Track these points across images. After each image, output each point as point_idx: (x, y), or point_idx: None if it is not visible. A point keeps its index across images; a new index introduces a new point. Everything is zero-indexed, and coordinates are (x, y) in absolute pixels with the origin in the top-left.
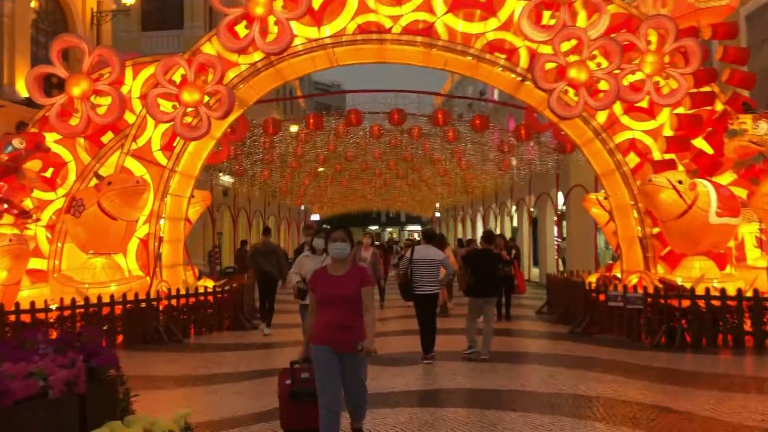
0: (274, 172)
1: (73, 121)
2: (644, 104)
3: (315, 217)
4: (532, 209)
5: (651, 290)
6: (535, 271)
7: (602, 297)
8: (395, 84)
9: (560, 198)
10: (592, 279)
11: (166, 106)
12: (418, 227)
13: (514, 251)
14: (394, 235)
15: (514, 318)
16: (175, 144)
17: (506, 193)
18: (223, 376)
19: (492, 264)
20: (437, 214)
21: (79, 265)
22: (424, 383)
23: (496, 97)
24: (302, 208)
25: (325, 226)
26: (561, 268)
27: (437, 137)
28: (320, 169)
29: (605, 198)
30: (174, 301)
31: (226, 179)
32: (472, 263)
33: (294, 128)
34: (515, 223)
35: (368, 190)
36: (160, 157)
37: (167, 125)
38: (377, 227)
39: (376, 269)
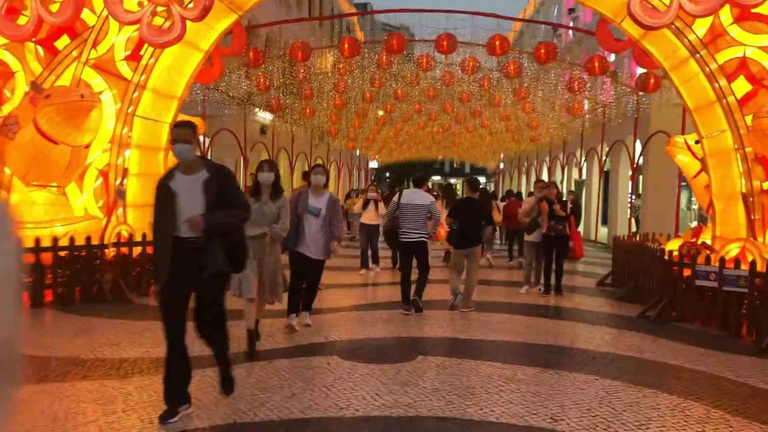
0: (320, 110)
1: (21, 21)
2: (764, 9)
3: (373, 164)
4: (604, 158)
5: (761, 267)
6: (604, 231)
7: (687, 272)
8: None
9: (638, 147)
10: (673, 246)
11: (130, 3)
12: (482, 178)
13: (570, 205)
14: (458, 186)
15: (567, 291)
16: (142, 53)
17: (575, 142)
18: (116, 363)
19: (475, 214)
20: (501, 165)
21: (18, 201)
22: (404, 402)
23: (571, 33)
24: (357, 152)
25: (387, 175)
26: (633, 230)
27: (498, 74)
28: (380, 113)
29: (697, 142)
30: (126, 250)
31: (264, 115)
32: (456, 213)
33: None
34: (584, 176)
35: (426, 135)
36: (126, 70)
37: (133, 28)
38: (440, 177)
39: (333, 225)
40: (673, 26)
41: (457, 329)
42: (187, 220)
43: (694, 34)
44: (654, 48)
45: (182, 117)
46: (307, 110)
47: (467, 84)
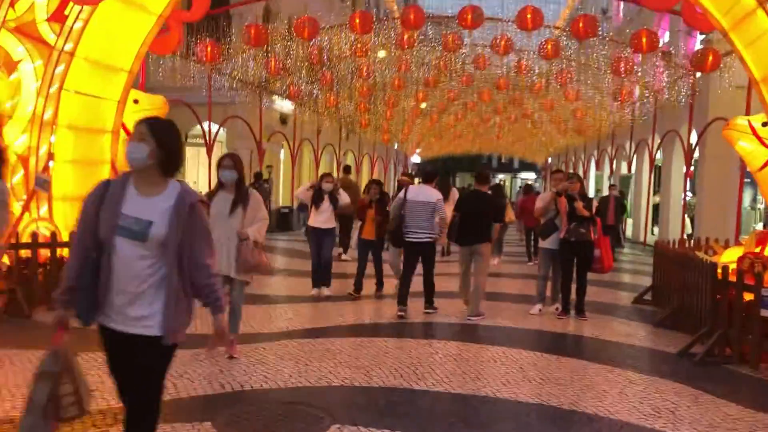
0: (345, 99)
1: None
2: None
3: (415, 159)
4: (656, 150)
5: None
6: (655, 231)
7: (749, 296)
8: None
9: (693, 137)
10: (730, 257)
11: None
12: (532, 174)
13: (596, 204)
14: (506, 183)
15: (594, 310)
16: (67, 12)
17: (625, 133)
18: None
19: (481, 207)
20: (549, 160)
21: None
22: None
23: (622, 15)
24: (395, 146)
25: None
26: (688, 231)
27: (536, 57)
28: (423, 105)
29: (765, 124)
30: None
31: (283, 103)
32: (460, 206)
33: (382, 53)
34: (633, 170)
35: (466, 127)
36: (52, 36)
37: None
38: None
39: (196, 268)
40: None
41: (419, 373)
42: None
43: None
44: (709, 1)
45: (136, 94)
46: (330, 98)
47: (503, 68)
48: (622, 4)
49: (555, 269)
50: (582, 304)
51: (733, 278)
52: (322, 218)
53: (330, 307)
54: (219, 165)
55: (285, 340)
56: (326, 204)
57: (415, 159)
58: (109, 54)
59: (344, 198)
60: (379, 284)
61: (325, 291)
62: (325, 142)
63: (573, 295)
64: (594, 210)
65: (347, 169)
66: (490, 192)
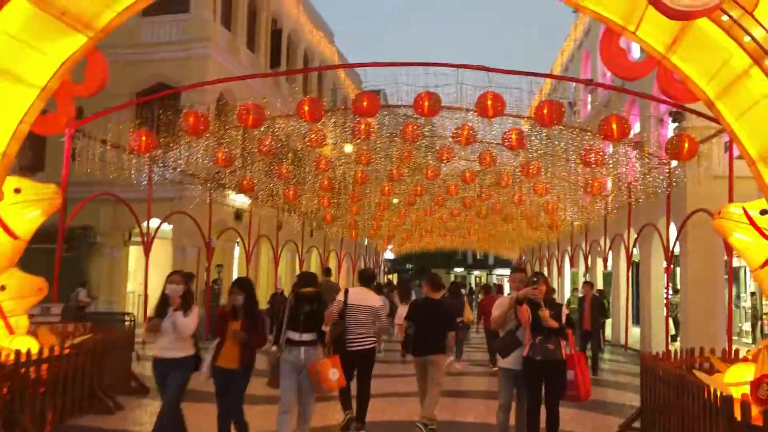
0: (304, 192)
1: None
2: None
3: (388, 255)
4: (632, 246)
5: None
6: (636, 332)
7: None
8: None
9: (672, 231)
10: (735, 377)
11: None
12: (507, 271)
13: (566, 312)
14: (482, 280)
15: None
16: None
17: (599, 228)
18: None
19: (436, 317)
20: (522, 257)
21: None
22: None
23: (589, 107)
24: (365, 242)
25: (409, 266)
26: (672, 333)
27: (501, 149)
28: (395, 201)
29: (765, 211)
30: None
31: (237, 198)
32: (413, 315)
33: (348, 147)
34: (610, 267)
35: (435, 223)
36: None
37: None
38: (462, 269)
39: None
40: (725, 17)
41: None
42: None
43: (763, 27)
44: (690, 64)
45: (19, 182)
46: (289, 192)
47: (467, 161)
48: (589, 96)
49: (519, 395)
50: None
51: (758, 422)
52: (167, 342)
53: None
54: None
55: None
56: (168, 322)
57: (388, 255)
58: None
59: (184, 324)
60: None
61: None
62: (286, 239)
63: (543, 425)
64: (564, 319)
65: (328, 272)
66: (444, 298)
